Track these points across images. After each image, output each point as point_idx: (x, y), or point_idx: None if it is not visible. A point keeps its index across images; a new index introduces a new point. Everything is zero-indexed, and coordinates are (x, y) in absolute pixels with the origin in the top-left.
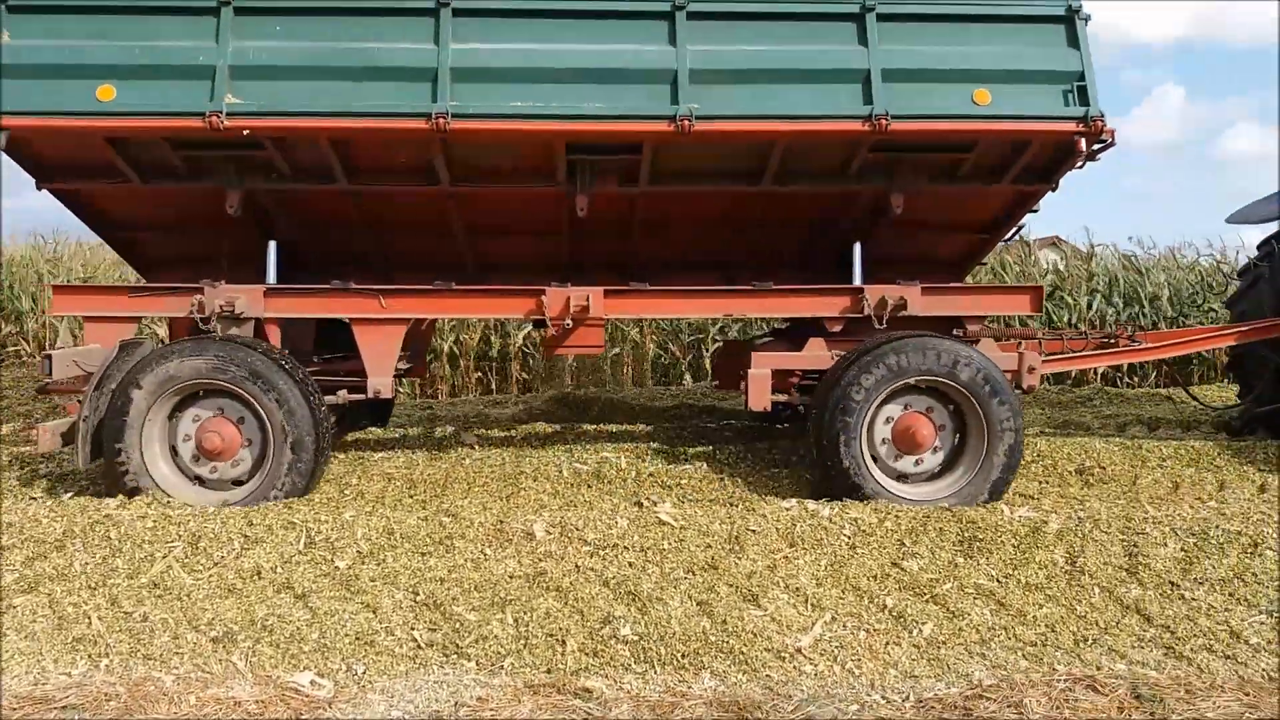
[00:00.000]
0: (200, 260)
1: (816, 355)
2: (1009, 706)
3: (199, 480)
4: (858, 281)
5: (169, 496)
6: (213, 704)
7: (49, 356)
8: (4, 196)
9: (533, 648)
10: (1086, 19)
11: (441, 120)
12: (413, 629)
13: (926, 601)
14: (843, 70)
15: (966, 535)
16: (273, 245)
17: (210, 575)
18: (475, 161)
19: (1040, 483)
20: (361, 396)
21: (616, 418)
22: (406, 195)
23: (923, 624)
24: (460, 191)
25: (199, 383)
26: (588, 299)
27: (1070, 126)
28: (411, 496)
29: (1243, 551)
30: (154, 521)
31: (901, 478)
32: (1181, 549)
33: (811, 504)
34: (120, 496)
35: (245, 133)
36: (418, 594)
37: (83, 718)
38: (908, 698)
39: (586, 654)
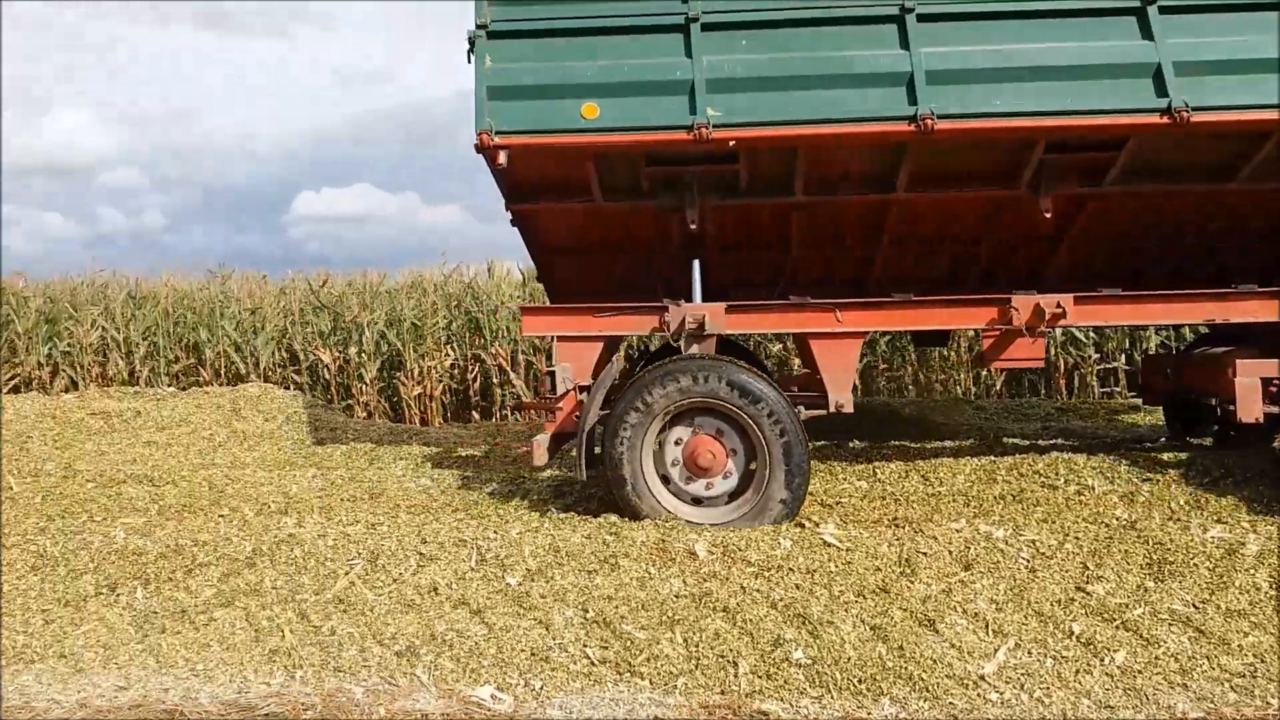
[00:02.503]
0: (604, 285)
1: None
2: None
3: (671, 488)
4: None
5: (665, 510)
6: (402, 716)
7: (552, 373)
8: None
9: (704, 668)
10: None
11: (928, 121)
12: (585, 646)
13: (1117, 628)
14: None
15: (1155, 557)
16: (696, 264)
17: (390, 591)
18: (936, 166)
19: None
20: (822, 411)
21: None
22: (851, 206)
23: (1115, 651)
24: (907, 199)
25: (695, 402)
26: (1059, 305)
27: None
28: (570, 511)
29: None
30: (334, 540)
31: None
32: None
33: (984, 525)
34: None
35: (731, 144)
36: (587, 611)
37: None
38: None
39: (759, 676)
